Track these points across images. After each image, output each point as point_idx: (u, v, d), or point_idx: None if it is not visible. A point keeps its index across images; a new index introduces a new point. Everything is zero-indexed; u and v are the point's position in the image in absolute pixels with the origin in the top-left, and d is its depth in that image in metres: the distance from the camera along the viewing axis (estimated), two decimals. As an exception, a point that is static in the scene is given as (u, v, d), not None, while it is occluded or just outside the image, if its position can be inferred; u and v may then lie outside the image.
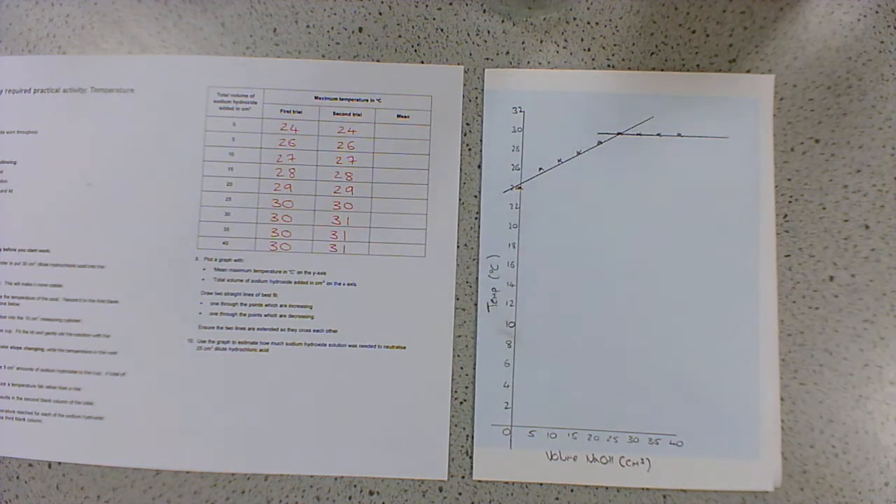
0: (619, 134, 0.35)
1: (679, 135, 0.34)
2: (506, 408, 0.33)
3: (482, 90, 0.35)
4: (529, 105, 0.35)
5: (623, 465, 0.33)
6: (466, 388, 0.34)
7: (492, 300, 0.34)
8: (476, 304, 0.34)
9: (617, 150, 0.35)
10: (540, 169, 0.35)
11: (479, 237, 0.35)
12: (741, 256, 0.34)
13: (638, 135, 0.35)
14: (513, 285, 0.34)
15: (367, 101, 0.36)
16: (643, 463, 0.33)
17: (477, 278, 0.34)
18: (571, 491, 0.33)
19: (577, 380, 0.33)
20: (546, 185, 0.35)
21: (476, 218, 0.35)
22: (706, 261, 0.34)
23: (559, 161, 0.35)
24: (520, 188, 0.34)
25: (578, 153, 0.35)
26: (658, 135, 0.34)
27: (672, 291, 0.34)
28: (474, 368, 0.34)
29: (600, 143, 0.35)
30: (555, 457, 0.33)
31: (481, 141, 0.35)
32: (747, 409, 0.33)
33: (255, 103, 0.36)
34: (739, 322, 0.34)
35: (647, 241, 0.34)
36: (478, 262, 0.34)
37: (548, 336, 0.34)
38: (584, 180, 0.34)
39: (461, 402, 0.34)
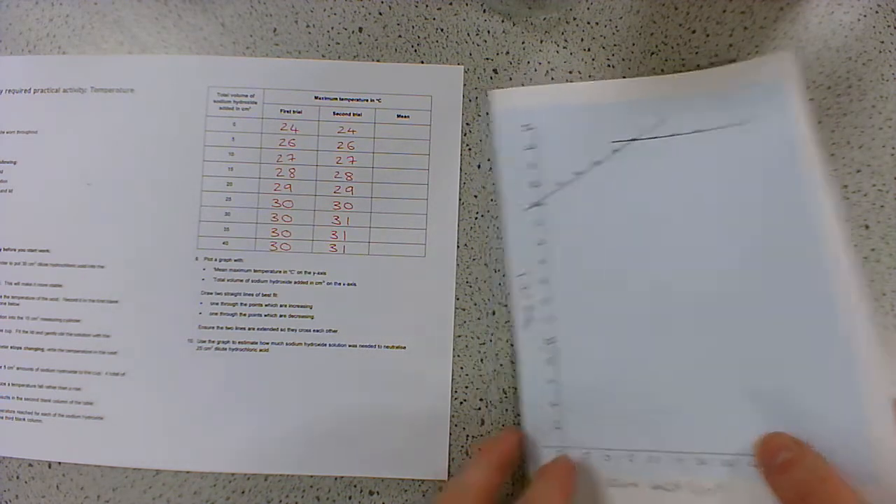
0: (633, 140, 0.33)
1: (697, 130, 0.32)
2: (556, 428, 0.31)
3: (477, 102, 0.35)
4: (539, 121, 0.34)
5: (694, 493, 0.28)
6: (466, 388, 0.34)
7: (528, 318, 0.32)
8: (507, 322, 0.34)
9: (634, 155, 0.33)
10: (559, 184, 0.33)
11: (503, 254, 0.34)
12: (794, 243, 0.30)
13: (654, 137, 0.33)
14: (548, 301, 0.32)
15: (367, 101, 0.36)
16: (718, 490, 0.28)
17: (507, 295, 0.34)
18: None
19: (630, 395, 0.30)
20: (568, 198, 0.33)
21: (476, 218, 0.35)
22: (752, 252, 0.30)
23: (576, 174, 0.33)
24: (541, 205, 0.33)
25: (595, 163, 0.33)
26: (673, 134, 0.33)
27: (724, 291, 0.30)
28: (474, 368, 0.34)
29: (615, 150, 0.33)
30: (613, 483, 0.30)
31: (481, 141, 0.35)
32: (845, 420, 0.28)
33: (255, 103, 0.36)
34: (811, 323, 0.29)
35: (684, 242, 0.32)
36: (504, 279, 0.34)
37: (593, 350, 0.31)
38: (605, 190, 0.33)
39: (461, 403, 0.34)
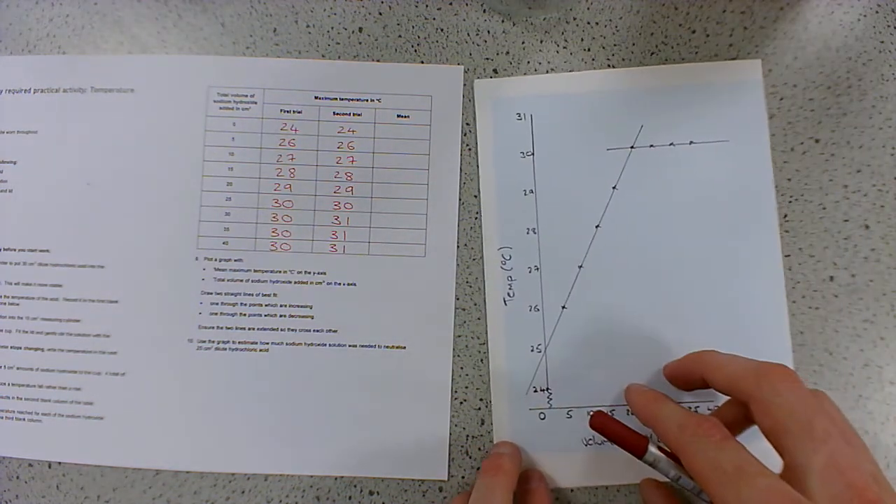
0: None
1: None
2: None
3: (473, 99, 0.35)
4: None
5: None
6: (466, 388, 0.34)
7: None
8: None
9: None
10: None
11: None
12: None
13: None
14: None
15: (367, 101, 0.36)
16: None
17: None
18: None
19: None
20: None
21: (476, 217, 0.35)
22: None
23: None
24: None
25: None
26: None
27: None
28: (474, 369, 0.34)
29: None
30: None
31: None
32: None
33: (255, 103, 0.36)
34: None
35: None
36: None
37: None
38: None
39: (461, 402, 0.34)
